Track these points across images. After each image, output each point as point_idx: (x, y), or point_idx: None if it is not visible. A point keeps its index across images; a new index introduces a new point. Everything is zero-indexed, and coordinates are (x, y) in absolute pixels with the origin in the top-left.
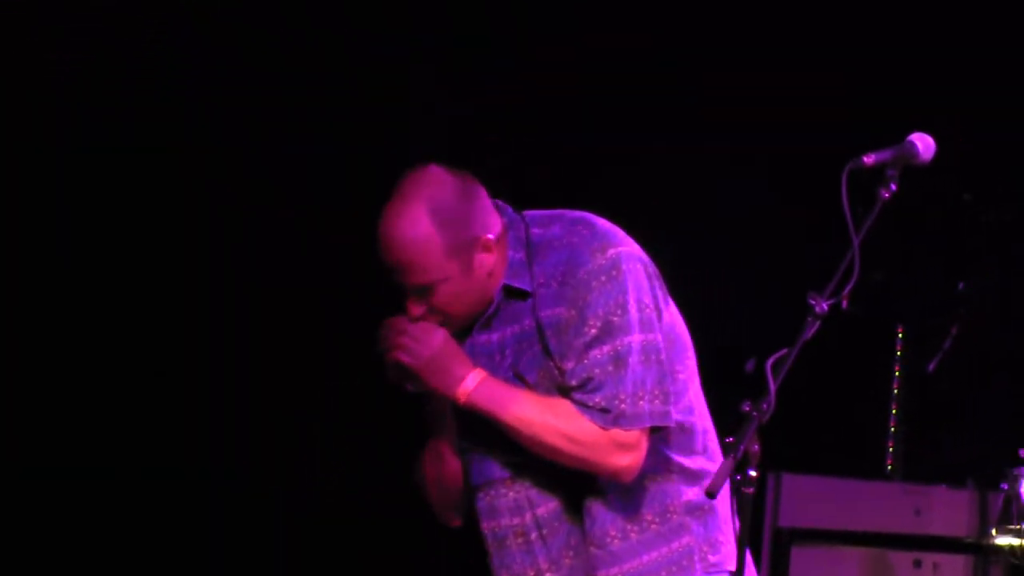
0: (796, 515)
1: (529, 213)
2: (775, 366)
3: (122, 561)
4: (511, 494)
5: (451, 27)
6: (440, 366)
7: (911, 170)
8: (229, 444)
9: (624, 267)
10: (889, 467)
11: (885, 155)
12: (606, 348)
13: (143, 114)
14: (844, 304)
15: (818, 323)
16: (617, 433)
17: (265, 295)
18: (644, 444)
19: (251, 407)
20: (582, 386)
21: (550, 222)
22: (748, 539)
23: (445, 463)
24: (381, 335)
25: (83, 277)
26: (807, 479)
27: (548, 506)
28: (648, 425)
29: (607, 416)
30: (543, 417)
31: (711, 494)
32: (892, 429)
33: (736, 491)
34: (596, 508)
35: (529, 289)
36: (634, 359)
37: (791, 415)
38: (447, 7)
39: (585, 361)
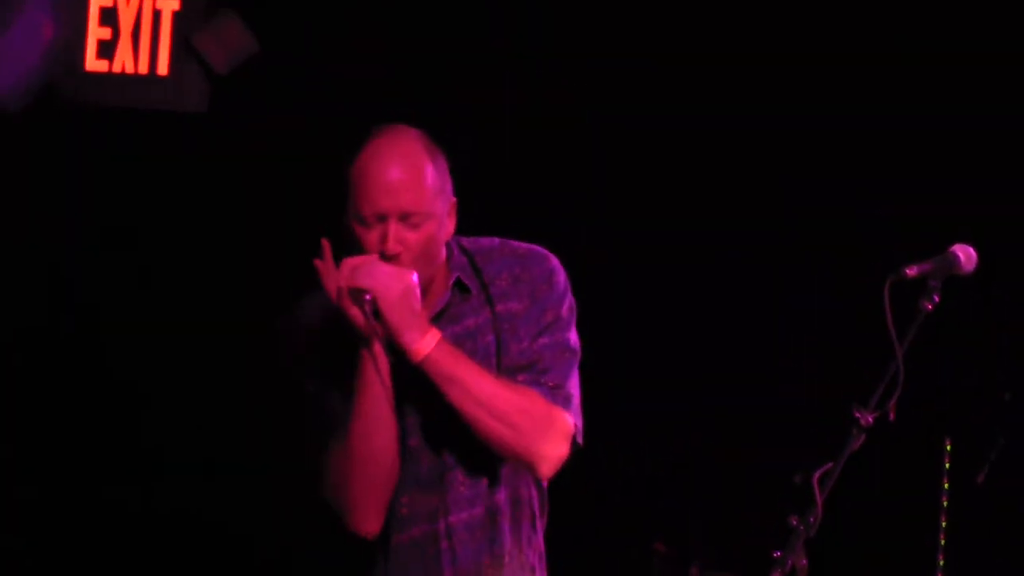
0: None
1: None
2: (821, 480)
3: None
4: (431, 498)
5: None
6: (408, 309)
7: (953, 280)
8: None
9: (564, 275)
10: None
11: (927, 266)
12: (558, 337)
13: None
14: (891, 416)
15: (863, 436)
16: (560, 416)
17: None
18: (569, 445)
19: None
20: (531, 366)
21: (474, 241)
22: None
23: (379, 432)
24: (348, 268)
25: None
26: None
27: (462, 516)
28: (578, 427)
29: (557, 394)
30: (496, 383)
31: None
32: (942, 542)
33: None
34: (499, 530)
35: (477, 287)
36: (576, 361)
37: (838, 529)
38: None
39: (537, 344)
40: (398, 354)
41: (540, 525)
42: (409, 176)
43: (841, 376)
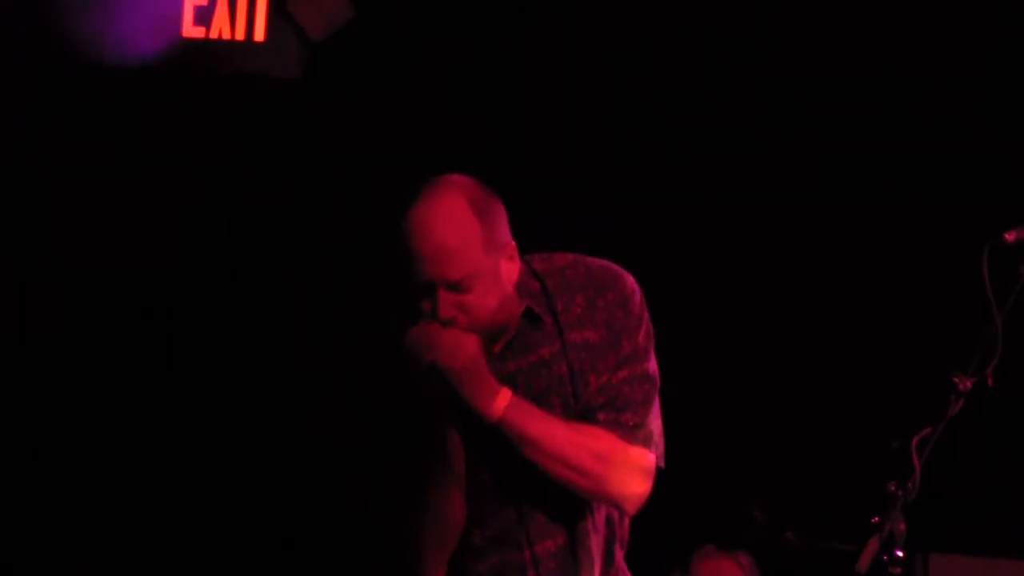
0: None
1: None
2: (920, 445)
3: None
4: (513, 527)
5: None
6: (476, 374)
7: None
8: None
9: (640, 297)
10: None
11: None
12: (636, 369)
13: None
14: (989, 382)
15: (962, 401)
16: (640, 454)
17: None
18: (652, 481)
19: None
20: (610, 403)
21: (548, 259)
22: None
23: (452, 500)
24: (410, 340)
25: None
26: (955, 559)
27: (547, 544)
28: (660, 454)
29: (636, 433)
30: (571, 434)
31: (861, 573)
32: None
33: (883, 571)
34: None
35: (549, 316)
36: (655, 390)
37: (938, 494)
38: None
39: (615, 379)
40: (472, 418)
41: (622, 546)
42: (451, 243)
43: (940, 341)
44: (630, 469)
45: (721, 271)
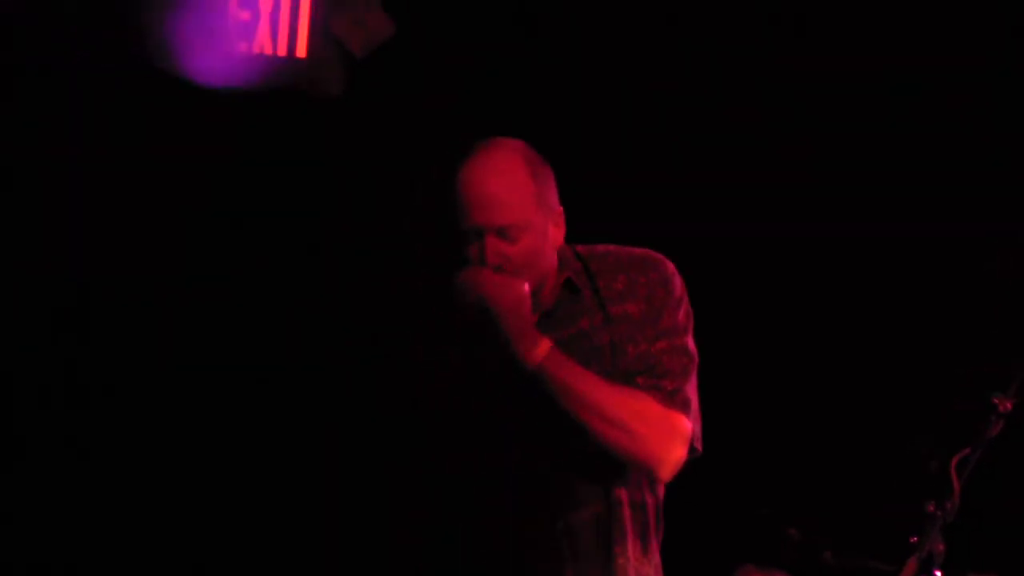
0: None
1: None
2: (959, 465)
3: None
4: (545, 498)
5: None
6: (520, 317)
7: None
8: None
9: (681, 281)
10: None
11: None
12: (676, 341)
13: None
14: None
15: (1002, 422)
16: (678, 418)
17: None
18: (687, 448)
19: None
20: (649, 370)
21: (590, 247)
22: None
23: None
24: (459, 280)
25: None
26: None
27: (582, 515)
28: (696, 433)
29: (675, 397)
30: (610, 389)
31: None
32: None
33: None
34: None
35: (590, 290)
36: (694, 367)
37: (977, 514)
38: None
39: (654, 348)
40: (511, 365)
41: (657, 539)
42: (504, 191)
43: (980, 362)
44: (668, 431)
45: (722, 272)
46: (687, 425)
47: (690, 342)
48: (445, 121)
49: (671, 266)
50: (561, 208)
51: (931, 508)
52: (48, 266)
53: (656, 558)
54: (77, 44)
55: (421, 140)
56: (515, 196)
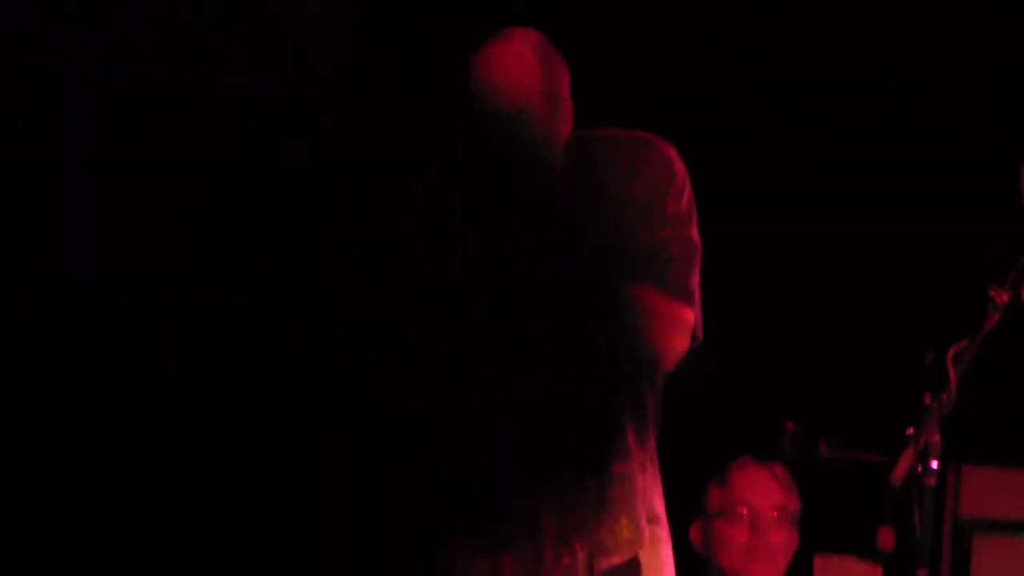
0: (977, 506)
1: None
2: (956, 358)
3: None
4: (538, 473)
5: None
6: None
7: None
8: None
9: (684, 167)
10: None
11: None
12: (680, 231)
13: None
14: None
15: (998, 314)
16: (682, 311)
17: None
18: (689, 338)
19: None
20: (653, 259)
21: (592, 130)
22: (929, 530)
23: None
24: None
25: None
26: (988, 470)
27: (575, 483)
28: (699, 321)
29: (678, 288)
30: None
31: (895, 485)
32: None
33: (917, 482)
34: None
35: (593, 177)
36: (697, 255)
37: (972, 406)
38: None
39: (658, 237)
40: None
41: (655, 431)
42: (509, 78)
43: (979, 254)
44: (670, 323)
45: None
46: (690, 316)
47: (694, 231)
48: (445, 121)
49: (674, 150)
50: (571, 103)
51: (928, 400)
52: (48, 266)
53: (651, 444)
54: (77, 44)
55: (421, 140)
56: (521, 83)
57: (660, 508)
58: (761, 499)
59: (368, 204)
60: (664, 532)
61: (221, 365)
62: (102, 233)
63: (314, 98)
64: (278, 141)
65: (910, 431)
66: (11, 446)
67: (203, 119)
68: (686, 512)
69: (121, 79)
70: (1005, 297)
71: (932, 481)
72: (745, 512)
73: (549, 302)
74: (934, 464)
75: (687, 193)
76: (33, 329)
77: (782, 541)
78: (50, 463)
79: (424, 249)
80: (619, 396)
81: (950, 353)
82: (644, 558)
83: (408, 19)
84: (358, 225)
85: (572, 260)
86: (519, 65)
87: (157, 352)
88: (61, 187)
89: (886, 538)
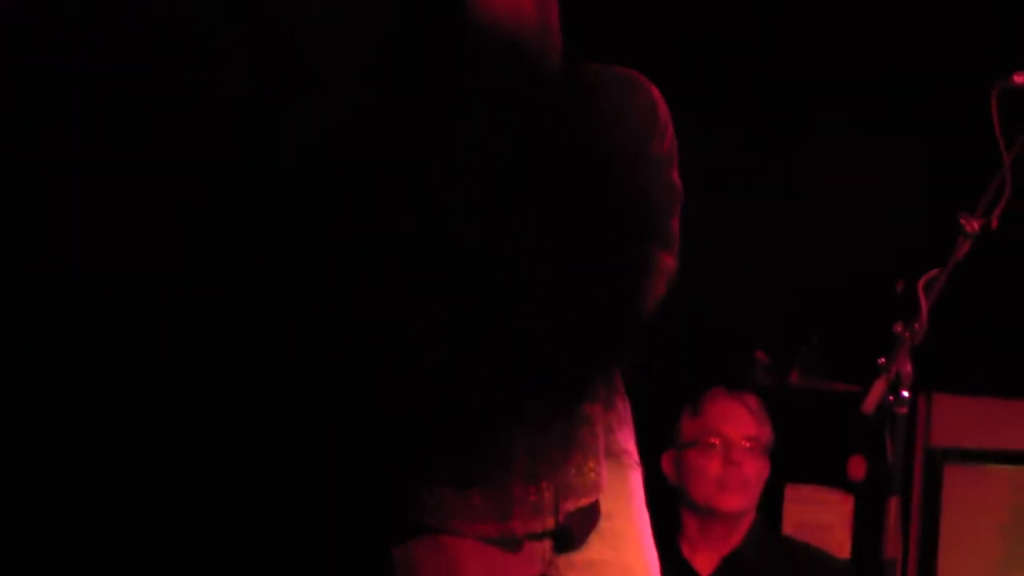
0: (948, 435)
1: None
2: (927, 286)
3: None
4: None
5: None
6: None
7: None
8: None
9: (666, 107)
10: None
11: None
12: (662, 176)
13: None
14: (993, 224)
15: (969, 242)
16: (663, 256)
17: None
18: (667, 286)
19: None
20: (633, 205)
21: (574, 64)
22: (901, 459)
23: None
24: None
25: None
26: (959, 399)
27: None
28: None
29: (659, 235)
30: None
31: (866, 414)
32: None
33: (888, 412)
34: None
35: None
36: (678, 201)
37: (943, 335)
38: None
39: (640, 181)
40: None
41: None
42: (508, 10)
43: (949, 183)
44: (651, 268)
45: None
46: (670, 263)
47: (675, 176)
48: (445, 121)
49: (656, 91)
50: (560, 37)
51: (899, 329)
52: (48, 266)
53: (618, 380)
54: (77, 44)
55: (421, 140)
56: (517, 16)
57: (630, 442)
58: (733, 429)
59: (368, 204)
60: (633, 461)
61: (221, 365)
62: (102, 233)
63: (314, 98)
64: (278, 141)
65: (881, 360)
66: (11, 446)
67: (203, 119)
68: (658, 443)
69: (121, 79)
70: (975, 225)
71: (903, 410)
72: (717, 442)
73: (549, 302)
74: (905, 393)
75: (669, 136)
76: (33, 329)
77: (754, 471)
78: (50, 463)
79: (424, 249)
80: (594, 337)
81: (921, 282)
82: (614, 489)
83: (408, 19)
84: (358, 225)
85: (572, 261)
86: None
87: (157, 352)
88: (61, 187)
89: (857, 467)
